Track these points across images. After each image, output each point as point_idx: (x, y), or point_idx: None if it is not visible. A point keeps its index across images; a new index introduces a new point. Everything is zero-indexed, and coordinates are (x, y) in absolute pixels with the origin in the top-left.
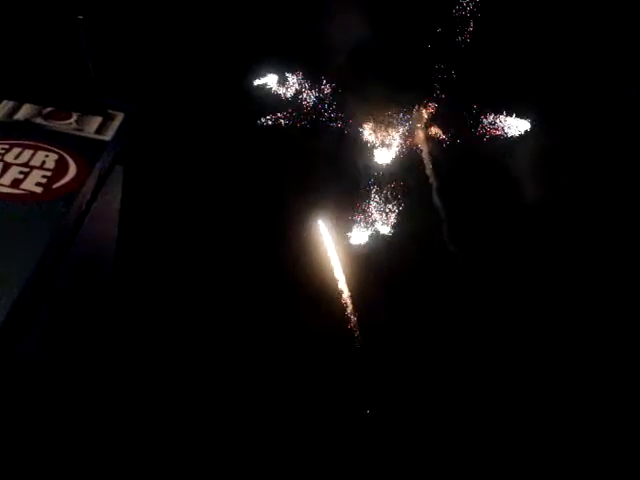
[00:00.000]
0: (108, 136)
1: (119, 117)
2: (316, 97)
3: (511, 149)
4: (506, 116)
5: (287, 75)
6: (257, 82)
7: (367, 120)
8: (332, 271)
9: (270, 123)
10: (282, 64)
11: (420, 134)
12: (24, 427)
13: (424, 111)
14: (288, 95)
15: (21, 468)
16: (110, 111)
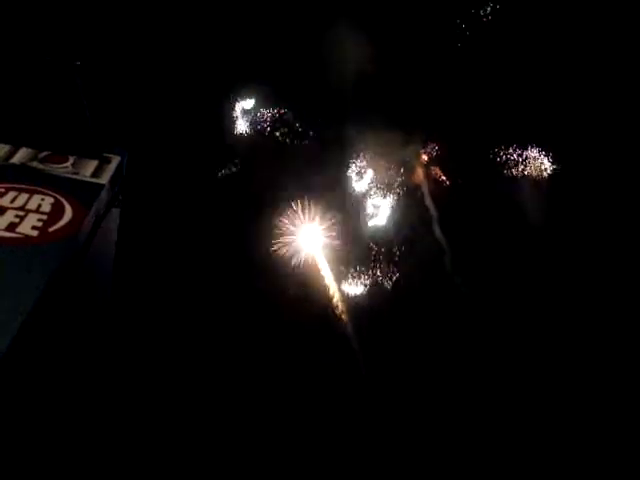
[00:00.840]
0: (104, 179)
1: (115, 160)
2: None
3: (513, 180)
4: (508, 150)
5: (278, 113)
6: (247, 119)
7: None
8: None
9: (262, 163)
10: (275, 96)
11: (419, 171)
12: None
13: (422, 149)
14: (280, 132)
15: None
16: (106, 154)
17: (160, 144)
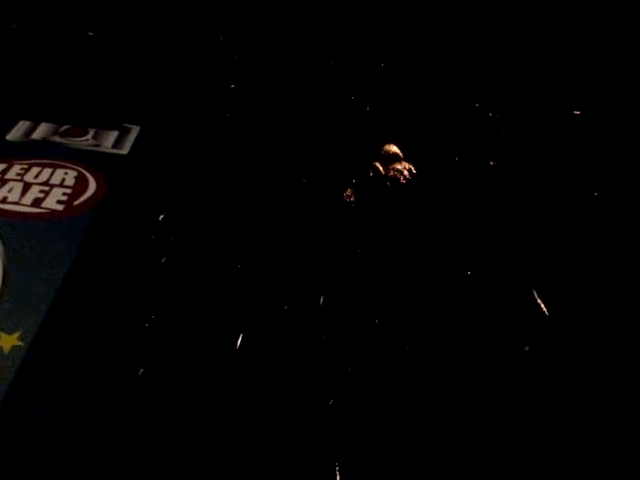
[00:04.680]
0: (125, 150)
1: (135, 130)
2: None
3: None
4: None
5: None
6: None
7: None
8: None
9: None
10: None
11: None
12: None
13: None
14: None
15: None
16: (126, 125)
17: (177, 112)
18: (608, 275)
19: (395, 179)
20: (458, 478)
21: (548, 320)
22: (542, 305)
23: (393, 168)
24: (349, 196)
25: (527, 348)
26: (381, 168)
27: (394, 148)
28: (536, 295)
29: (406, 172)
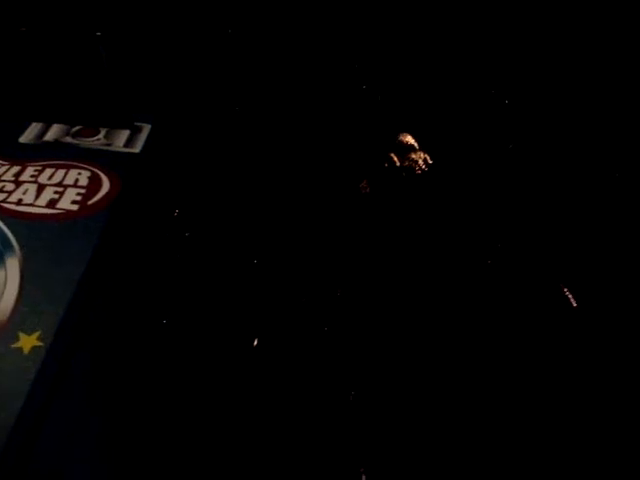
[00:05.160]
0: (137, 148)
1: (146, 128)
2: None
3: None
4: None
5: None
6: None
7: None
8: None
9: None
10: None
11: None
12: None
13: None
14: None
15: None
16: (137, 123)
17: (188, 109)
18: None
19: (411, 169)
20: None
21: (571, 316)
22: (570, 297)
23: (408, 158)
24: (364, 187)
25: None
26: (396, 159)
27: (409, 138)
28: (564, 289)
29: (422, 162)
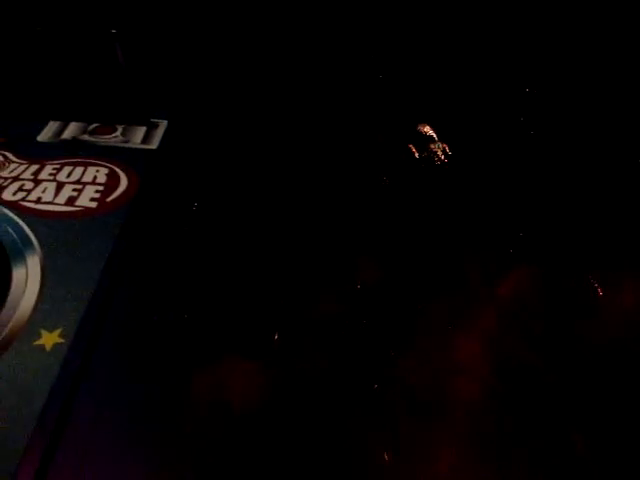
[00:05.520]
0: (154, 144)
1: (163, 125)
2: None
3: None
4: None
5: None
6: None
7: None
8: None
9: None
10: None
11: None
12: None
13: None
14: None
15: None
16: (153, 120)
17: (203, 105)
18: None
19: (430, 160)
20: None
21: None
22: (598, 288)
23: (427, 149)
24: (383, 180)
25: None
26: (415, 149)
27: (427, 129)
28: (592, 280)
29: (440, 153)
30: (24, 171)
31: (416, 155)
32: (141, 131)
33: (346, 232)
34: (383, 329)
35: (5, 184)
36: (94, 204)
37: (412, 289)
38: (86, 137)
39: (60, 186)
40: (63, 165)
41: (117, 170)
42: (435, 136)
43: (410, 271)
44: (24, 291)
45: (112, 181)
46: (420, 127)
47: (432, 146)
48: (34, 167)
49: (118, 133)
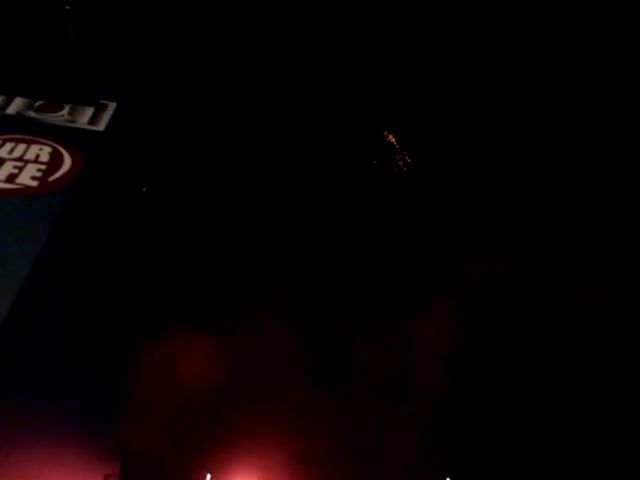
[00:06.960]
0: (101, 126)
1: (111, 107)
2: None
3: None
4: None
5: None
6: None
7: None
8: None
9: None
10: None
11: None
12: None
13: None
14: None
15: None
16: (102, 101)
17: (155, 88)
18: None
19: (390, 167)
20: None
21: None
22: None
23: (388, 157)
24: (347, 184)
25: None
26: (376, 156)
27: (390, 137)
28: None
29: (401, 161)
30: None
31: (376, 162)
32: (89, 111)
33: (303, 213)
34: (342, 308)
35: None
36: (35, 183)
37: (374, 277)
38: (31, 114)
39: (1, 162)
40: (5, 141)
41: (61, 150)
42: (396, 144)
43: (372, 262)
44: None
45: (55, 161)
46: (383, 135)
47: (393, 154)
48: None
49: (65, 112)
